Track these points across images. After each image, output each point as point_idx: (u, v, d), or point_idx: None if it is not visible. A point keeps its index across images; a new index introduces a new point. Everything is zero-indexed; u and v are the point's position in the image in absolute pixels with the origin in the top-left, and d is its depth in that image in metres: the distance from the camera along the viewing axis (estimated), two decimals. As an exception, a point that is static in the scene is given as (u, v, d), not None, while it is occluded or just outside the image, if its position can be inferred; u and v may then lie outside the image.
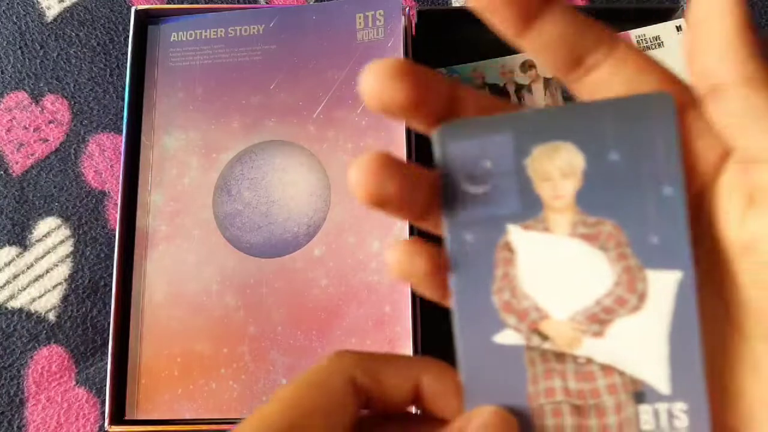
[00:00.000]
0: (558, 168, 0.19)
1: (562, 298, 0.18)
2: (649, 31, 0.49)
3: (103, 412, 0.43)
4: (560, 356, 0.18)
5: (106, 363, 0.41)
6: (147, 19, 0.46)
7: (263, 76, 0.45)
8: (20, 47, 0.51)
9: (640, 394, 0.18)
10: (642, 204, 0.19)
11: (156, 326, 0.42)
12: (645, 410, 0.18)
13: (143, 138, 0.45)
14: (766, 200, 0.18)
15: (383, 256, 0.41)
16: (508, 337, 0.19)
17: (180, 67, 0.45)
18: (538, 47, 0.19)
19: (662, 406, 0.18)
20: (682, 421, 0.18)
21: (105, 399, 0.40)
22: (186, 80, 0.45)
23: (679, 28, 0.50)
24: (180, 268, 0.42)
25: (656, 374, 0.18)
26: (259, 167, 0.43)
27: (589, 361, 0.18)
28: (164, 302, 0.42)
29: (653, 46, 0.49)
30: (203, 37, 0.46)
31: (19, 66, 0.51)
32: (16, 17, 0.52)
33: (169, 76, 0.45)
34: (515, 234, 0.19)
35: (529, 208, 0.19)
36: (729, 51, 0.18)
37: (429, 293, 0.21)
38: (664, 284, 0.18)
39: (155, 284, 0.42)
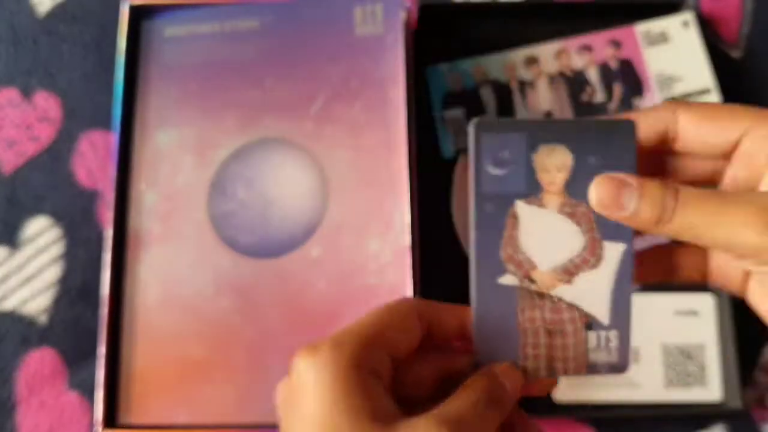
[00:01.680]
0: (554, 164, 0.26)
1: (547, 255, 0.26)
2: (655, 26, 0.49)
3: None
4: (541, 295, 0.26)
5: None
6: (141, 14, 0.45)
7: (259, 71, 0.44)
8: (11, 43, 0.50)
9: (589, 324, 0.27)
10: None
11: (149, 329, 0.41)
12: (592, 335, 0.27)
13: (136, 135, 0.44)
14: None
15: (382, 256, 0.40)
16: (508, 279, 0.26)
17: (174, 62, 0.44)
18: None
19: (603, 333, 0.27)
20: (614, 343, 0.27)
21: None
22: (180, 76, 0.44)
23: (685, 23, 0.49)
24: (173, 270, 0.41)
25: (601, 311, 0.27)
26: (255, 165, 0.42)
27: (560, 300, 0.27)
28: (158, 305, 0.41)
29: (658, 41, 0.49)
30: (198, 32, 0.45)
31: (10, 62, 0.50)
32: (8, 12, 0.51)
33: (162, 72, 0.44)
34: (520, 207, 0.26)
35: (532, 189, 0.26)
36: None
37: None
38: (614, 252, 0.26)
39: (148, 286, 0.41)
